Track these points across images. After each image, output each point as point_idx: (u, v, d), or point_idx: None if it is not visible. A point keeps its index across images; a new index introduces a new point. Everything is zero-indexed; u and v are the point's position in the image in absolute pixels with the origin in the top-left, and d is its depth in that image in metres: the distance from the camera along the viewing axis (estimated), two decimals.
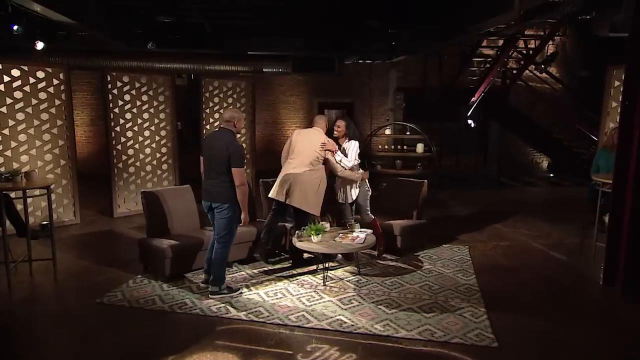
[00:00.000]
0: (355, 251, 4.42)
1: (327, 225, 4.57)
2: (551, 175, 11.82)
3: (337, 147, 4.60)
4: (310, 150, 4.43)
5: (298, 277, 4.40)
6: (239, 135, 4.00)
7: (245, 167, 3.87)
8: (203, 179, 3.99)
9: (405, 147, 9.43)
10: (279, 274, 4.50)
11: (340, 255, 4.85)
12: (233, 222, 3.88)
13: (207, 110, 7.97)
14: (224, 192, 3.81)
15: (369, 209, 4.83)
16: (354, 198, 4.75)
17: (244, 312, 3.63)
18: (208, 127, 8.00)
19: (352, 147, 4.64)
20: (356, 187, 4.72)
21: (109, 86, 6.76)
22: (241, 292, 4.00)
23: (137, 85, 7.06)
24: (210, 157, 3.88)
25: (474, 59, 11.06)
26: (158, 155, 7.44)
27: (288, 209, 4.48)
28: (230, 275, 4.40)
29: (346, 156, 4.63)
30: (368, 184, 4.82)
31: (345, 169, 4.57)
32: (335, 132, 4.69)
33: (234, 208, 3.83)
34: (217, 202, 3.84)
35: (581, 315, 3.76)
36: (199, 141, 7.95)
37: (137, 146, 7.16)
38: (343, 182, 4.72)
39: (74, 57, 8.15)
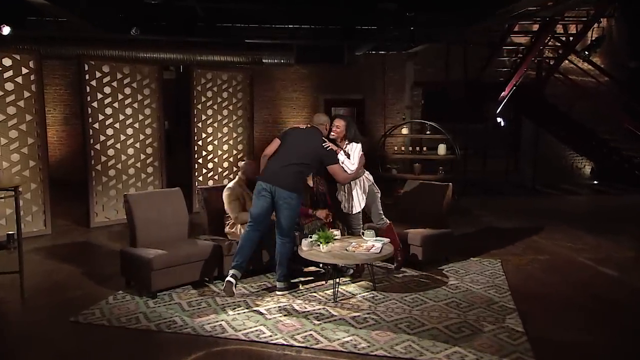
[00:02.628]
0: (370, 262, 4.39)
1: (338, 233, 4.56)
2: (595, 182, 11.75)
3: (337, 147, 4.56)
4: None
5: (304, 293, 4.38)
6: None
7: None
8: (268, 161, 4.35)
9: (424, 148, 9.42)
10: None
11: (352, 270, 4.83)
12: (298, 213, 4.35)
13: (199, 106, 8.03)
14: (294, 181, 4.22)
15: (382, 212, 4.82)
16: (361, 207, 4.74)
17: (242, 332, 3.60)
18: (200, 124, 8.04)
19: (355, 148, 4.58)
20: (363, 194, 4.71)
21: (87, 77, 6.82)
22: (299, 287, 4.44)
23: (119, 76, 7.12)
24: (295, 144, 4.32)
25: (504, 48, 11.09)
26: (142, 156, 7.47)
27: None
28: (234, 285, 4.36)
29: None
30: (375, 185, 4.81)
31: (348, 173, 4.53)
32: (332, 133, 4.58)
33: (300, 199, 4.29)
34: (285, 189, 4.17)
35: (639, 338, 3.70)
36: (189, 141, 8.02)
37: (118, 146, 7.19)
38: (347, 188, 4.71)
39: (46, 44, 8.24)
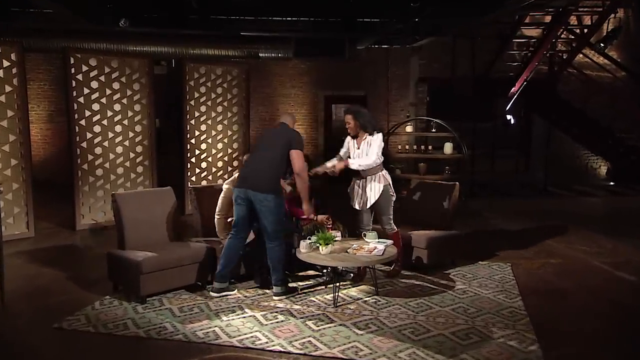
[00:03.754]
0: (371, 265, 4.39)
1: (338, 234, 4.57)
2: (611, 183, 11.75)
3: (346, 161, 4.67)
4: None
5: (303, 298, 4.38)
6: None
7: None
8: (242, 167, 4.53)
9: (430, 147, 9.42)
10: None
11: (352, 274, 4.85)
12: (282, 214, 4.30)
13: (192, 102, 8.04)
14: (267, 182, 4.18)
15: (392, 217, 4.82)
16: (375, 199, 4.68)
17: (237, 338, 3.60)
18: (193, 122, 8.04)
19: (374, 140, 4.64)
20: (378, 189, 4.69)
21: (73, 70, 6.81)
22: (298, 292, 4.42)
23: (107, 70, 7.13)
24: (265, 142, 4.44)
25: (514, 41, 11.08)
26: (132, 155, 7.47)
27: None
28: (221, 294, 4.39)
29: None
30: (392, 187, 4.82)
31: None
32: (349, 131, 4.78)
33: (279, 199, 4.22)
34: (258, 191, 4.16)
35: None
36: (181, 139, 8.02)
37: (106, 144, 7.20)
38: (362, 183, 4.71)
39: (30, 36, 8.21)
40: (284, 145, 4.24)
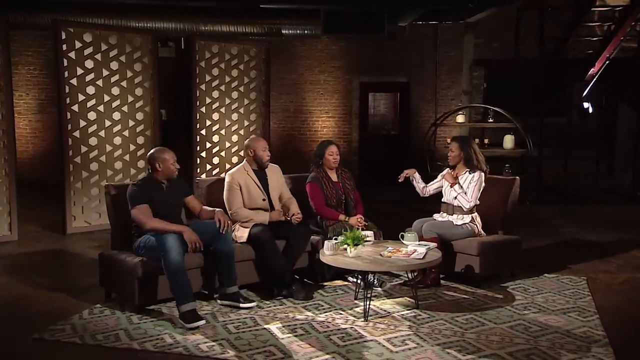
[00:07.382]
0: (410, 270, 4.41)
1: (370, 234, 4.58)
2: None
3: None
4: None
5: (327, 310, 4.40)
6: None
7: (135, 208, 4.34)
8: None
9: (486, 141, 9.31)
10: (298, 304, 4.53)
11: (388, 283, 4.94)
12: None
13: (203, 87, 8.16)
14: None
15: (442, 234, 4.97)
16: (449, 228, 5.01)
17: (247, 352, 3.62)
18: (204, 109, 8.16)
19: (475, 180, 5.02)
20: (461, 222, 5.03)
21: (64, 47, 6.99)
22: (199, 326, 4.01)
23: (105, 47, 7.30)
24: None
25: (593, 10, 10.82)
26: (132, 147, 7.64)
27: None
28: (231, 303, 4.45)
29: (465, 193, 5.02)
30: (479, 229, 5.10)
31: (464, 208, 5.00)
32: (448, 159, 5.21)
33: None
34: None
35: None
36: (190, 129, 8.14)
37: (102, 134, 7.37)
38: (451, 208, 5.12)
39: (17, 9, 8.46)
40: None
